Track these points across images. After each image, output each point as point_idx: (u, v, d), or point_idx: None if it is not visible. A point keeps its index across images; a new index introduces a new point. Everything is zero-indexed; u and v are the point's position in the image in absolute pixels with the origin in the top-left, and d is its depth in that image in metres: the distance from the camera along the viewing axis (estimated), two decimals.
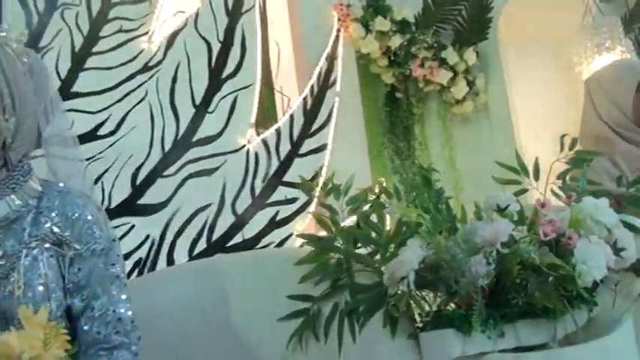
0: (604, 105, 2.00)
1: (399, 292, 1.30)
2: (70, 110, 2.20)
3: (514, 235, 1.37)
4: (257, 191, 2.35)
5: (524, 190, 1.76)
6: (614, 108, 1.97)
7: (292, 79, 2.59)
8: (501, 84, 2.66)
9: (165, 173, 2.27)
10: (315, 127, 2.46)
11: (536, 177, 1.77)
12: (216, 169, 2.32)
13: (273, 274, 1.64)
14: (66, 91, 2.21)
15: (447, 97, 2.67)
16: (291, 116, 2.44)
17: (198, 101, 2.34)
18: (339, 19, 2.55)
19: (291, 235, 2.33)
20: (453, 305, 1.33)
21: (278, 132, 2.42)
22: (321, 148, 2.45)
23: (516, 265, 1.28)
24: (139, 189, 2.24)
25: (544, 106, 2.69)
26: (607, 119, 1.99)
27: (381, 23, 2.50)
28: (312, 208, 2.35)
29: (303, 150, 2.43)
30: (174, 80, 2.33)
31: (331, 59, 2.52)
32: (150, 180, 2.25)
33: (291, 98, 2.54)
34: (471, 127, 2.77)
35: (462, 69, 2.64)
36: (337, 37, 2.55)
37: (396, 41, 2.53)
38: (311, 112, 2.47)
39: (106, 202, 2.19)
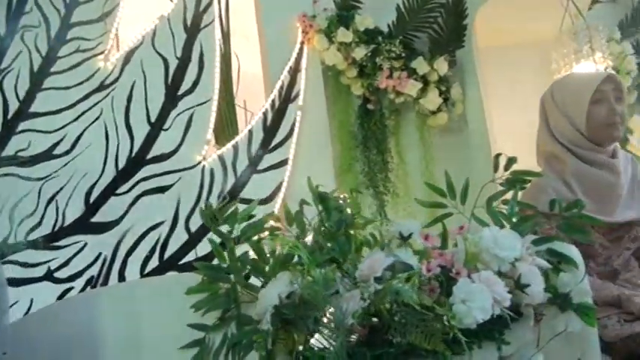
0: (557, 121, 1.86)
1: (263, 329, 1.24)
2: (27, 130, 2.25)
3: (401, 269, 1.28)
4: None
5: (447, 215, 1.66)
6: (567, 124, 1.82)
7: (260, 94, 2.55)
8: (477, 93, 2.53)
9: (118, 191, 2.28)
10: (275, 142, 2.41)
11: (463, 200, 1.67)
12: (170, 186, 2.30)
13: (180, 300, 1.60)
14: (24, 112, 2.26)
15: (421, 109, 2.56)
16: (250, 131, 2.40)
17: (153, 118, 2.34)
18: (303, 31, 2.49)
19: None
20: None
21: (235, 148, 2.38)
22: (281, 164, 2.39)
23: (386, 304, 1.19)
24: (92, 207, 2.25)
25: (523, 115, 2.53)
26: (559, 136, 1.84)
27: (344, 34, 2.42)
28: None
29: (262, 166, 2.39)
30: (129, 98, 2.34)
31: (294, 72, 2.47)
32: (103, 198, 2.26)
33: (255, 113, 2.50)
34: (449, 138, 2.65)
35: (434, 79, 2.52)
36: (301, 49, 2.49)
37: (359, 52, 2.44)
38: (271, 126, 2.42)
39: (59, 221, 2.22)
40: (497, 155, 1.72)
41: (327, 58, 2.47)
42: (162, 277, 2.04)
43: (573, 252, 1.52)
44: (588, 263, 1.81)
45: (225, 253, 1.49)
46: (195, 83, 2.37)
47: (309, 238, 1.56)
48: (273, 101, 2.43)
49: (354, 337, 1.28)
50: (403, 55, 2.48)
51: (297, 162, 2.42)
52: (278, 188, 2.36)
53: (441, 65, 2.48)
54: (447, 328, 1.24)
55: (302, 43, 2.49)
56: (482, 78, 2.54)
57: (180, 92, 2.36)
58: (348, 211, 1.65)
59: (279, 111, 2.43)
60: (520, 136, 2.51)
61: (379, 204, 2.56)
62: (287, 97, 2.44)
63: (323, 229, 1.49)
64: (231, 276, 1.44)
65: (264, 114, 2.42)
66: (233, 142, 2.38)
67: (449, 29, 2.55)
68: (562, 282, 1.45)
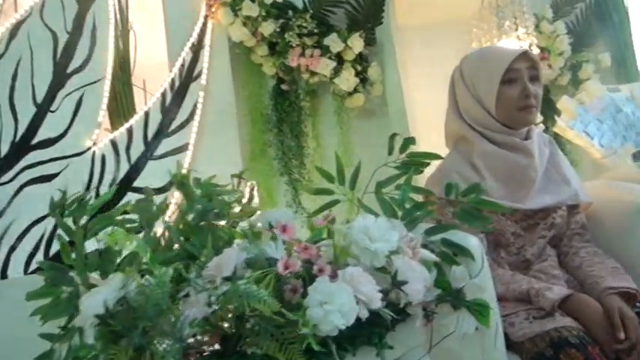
0: (465, 101, 1.70)
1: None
2: None
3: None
4: None
5: (334, 203, 1.50)
6: (476, 104, 1.67)
7: (164, 73, 2.34)
8: (396, 73, 2.37)
9: (0, 180, 2.05)
10: (174, 125, 2.21)
11: (352, 185, 1.51)
12: (57, 174, 2.09)
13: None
14: None
15: (337, 89, 2.39)
16: (146, 114, 2.19)
17: (39, 99, 2.11)
18: (207, 4, 2.28)
19: None
20: None
21: (130, 132, 2.17)
22: (181, 149, 2.20)
23: (233, 309, 1.02)
24: None
25: (445, 96, 2.39)
26: (468, 118, 1.69)
27: (249, 7, 2.22)
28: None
29: (159, 151, 2.19)
30: (14, 77, 2.11)
31: (197, 49, 2.27)
32: None
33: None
34: (369, 121, 2.49)
35: (350, 57, 2.35)
36: (205, 23, 2.29)
37: (267, 27, 2.25)
38: (170, 108, 2.22)
39: None
40: (393, 136, 1.56)
41: (232, 34, 2.27)
42: (28, 277, 1.84)
43: (470, 242, 1.38)
44: (500, 253, 1.68)
45: None
46: (87, 60, 2.16)
47: None
48: (172, 80, 2.23)
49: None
50: (316, 31, 2.29)
51: (199, 147, 2.22)
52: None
53: (356, 42, 2.31)
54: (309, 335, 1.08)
55: (206, 16, 2.29)
56: (403, 57, 2.38)
57: (69, 70, 2.14)
58: (227, 199, 1.49)
59: (180, 91, 2.23)
60: (442, 117, 2.36)
61: (293, 192, 2.39)
62: (188, 76, 2.24)
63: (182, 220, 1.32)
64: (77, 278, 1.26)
65: (163, 94, 2.22)
66: (127, 125, 2.17)
67: (367, 5, 2.38)
68: (454, 276, 1.30)
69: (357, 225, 1.15)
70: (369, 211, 1.42)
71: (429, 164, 1.57)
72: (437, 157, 1.57)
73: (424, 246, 1.37)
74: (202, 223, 1.37)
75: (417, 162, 1.54)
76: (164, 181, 2.14)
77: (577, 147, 2.37)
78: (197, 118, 2.21)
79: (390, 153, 1.58)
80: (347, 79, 2.28)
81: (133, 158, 2.15)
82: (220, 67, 2.29)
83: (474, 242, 1.37)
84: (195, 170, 2.13)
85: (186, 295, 1.13)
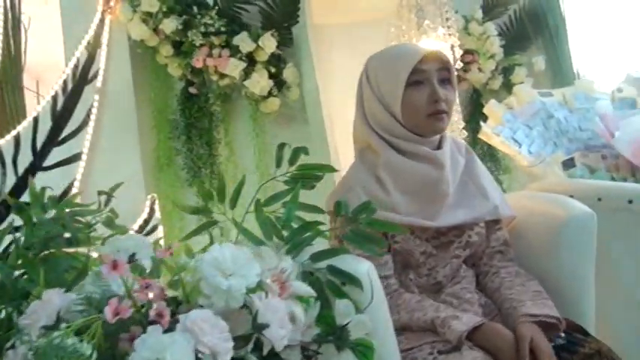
0: (371, 105, 1.54)
1: None
2: None
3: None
4: None
5: (211, 223, 1.32)
6: (382, 109, 1.51)
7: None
8: (313, 75, 2.19)
9: None
10: (66, 132, 2.00)
11: (233, 204, 1.33)
12: None
13: None
14: None
15: (248, 93, 2.21)
16: (35, 120, 1.98)
17: None
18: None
19: None
20: None
21: (17, 140, 1.96)
22: (73, 159, 1.99)
23: None
24: None
25: None
26: (374, 124, 1.53)
27: (148, 2, 2.03)
28: None
29: (48, 162, 1.98)
30: None
31: (93, 48, 2.06)
32: None
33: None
34: (289, 127, 2.33)
35: (263, 58, 2.17)
36: (102, 20, 2.09)
37: (169, 25, 2.06)
38: (62, 113, 2.01)
39: None
40: (281, 145, 1.39)
41: (132, 32, 2.08)
42: None
43: (360, 269, 1.21)
44: (408, 275, 1.53)
45: None
46: None
47: None
48: (65, 82, 2.02)
49: None
50: (223, 29, 2.11)
51: (95, 156, 2.02)
52: (69, 189, 1.96)
53: (268, 42, 2.13)
54: None
55: (103, 12, 2.08)
56: (321, 58, 2.21)
57: None
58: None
59: (73, 95, 2.02)
60: None
61: (203, 204, 2.20)
62: (83, 77, 2.04)
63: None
64: None
65: (54, 98, 2.01)
66: (14, 133, 1.95)
67: (282, 3, 2.21)
68: (339, 311, 1.14)
69: (208, 257, 0.97)
70: (248, 234, 1.25)
71: (321, 177, 1.41)
72: (331, 169, 1.40)
73: (311, 274, 1.21)
74: (47, 252, 1.17)
75: (308, 175, 1.38)
76: (55, 193, 1.93)
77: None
78: (92, 124, 2.00)
79: (278, 165, 1.41)
80: (258, 82, 2.10)
81: (20, 169, 1.94)
82: (119, 68, 2.09)
83: (363, 269, 1.21)
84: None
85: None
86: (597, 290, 1.66)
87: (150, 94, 2.20)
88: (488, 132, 2.12)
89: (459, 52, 2.09)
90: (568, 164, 2.02)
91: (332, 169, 1.40)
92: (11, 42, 2.02)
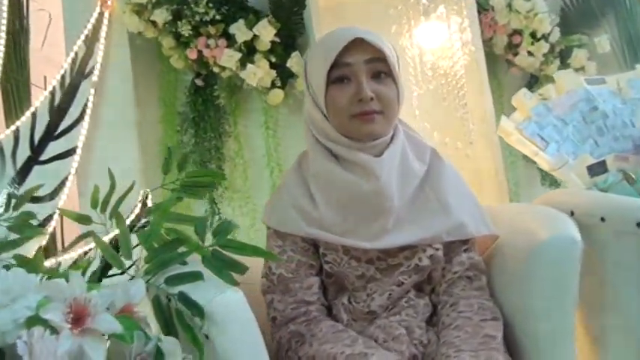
0: (306, 100, 1.36)
1: None
2: None
3: None
4: None
5: (85, 236, 1.24)
6: (314, 106, 1.33)
7: None
8: None
9: None
10: (63, 126, 2.02)
11: (112, 214, 1.24)
12: None
13: None
14: None
15: (250, 84, 2.08)
16: (34, 114, 2.02)
17: None
18: None
19: None
20: None
21: (16, 134, 2.01)
22: (68, 154, 2.01)
23: None
24: None
25: None
26: (310, 122, 1.35)
27: None
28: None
29: (45, 156, 2.01)
30: None
31: (92, 41, 2.05)
32: None
33: None
34: (299, 119, 2.17)
35: (263, 47, 2.04)
36: (101, 13, 2.07)
37: (159, 16, 1.99)
38: (60, 108, 2.03)
39: None
40: (170, 150, 1.28)
41: (129, 24, 2.04)
42: None
43: (220, 300, 1.07)
44: (341, 299, 1.34)
45: None
46: None
47: None
48: (62, 77, 2.04)
49: None
50: (218, 18, 2.00)
51: (91, 151, 2.02)
52: (63, 183, 1.98)
53: (264, 30, 1.99)
54: None
55: (101, 5, 2.07)
56: None
57: None
58: None
59: (71, 89, 2.03)
60: None
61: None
62: (80, 72, 2.04)
63: None
64: None
65: (52, 93, 2.03)
66: (13, 127, 2.01)
67: None
68: (165, 349, 1.00)
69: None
70: (108, 252, 1.15)
71: (213, 186, 1.28)
72: (221, 176, 1.27)
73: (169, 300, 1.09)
74: None
75: (199, 183, 1.26)
76: (51, 187, 1.97)
77: None
78: (87, 118, 2.01)
79: (166, 172, 1.30)
80: (254, 73, 1.97)
81: (19, 163, 2.00)
82: (117, 62, 2.07)
83: (223, 300, 1.05)
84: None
85: None
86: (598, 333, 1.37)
87: (154, 87, 2.16)
88: (507, 128, 1.82)
89: (469, 35, 1.80)
90: (596, 170, 1.67)
91: (222, 177, 1.26)
92: (16, 39, 2.07)
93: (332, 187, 1.28)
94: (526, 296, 1.29)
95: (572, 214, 1.38)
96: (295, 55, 2.06)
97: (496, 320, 1.25)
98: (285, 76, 2.08)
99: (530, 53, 2.20)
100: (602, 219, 1.33)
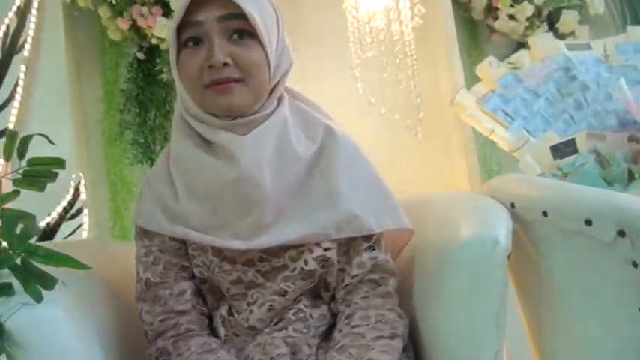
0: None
1: None
2: None
3: None
4: None
5: None
6: (176, 76, 1.12)
7: None
8: None
9: None
10: None
11: None
12: None
13: None
14: None
15: None
16: None
17: None
18: None
19: None
20: None
21: None
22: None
23: None
24: None
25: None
26: (179, 97, 1.16)
27: None
28: None
29: None
30: None
31: (23, 14, 1.91)
32: None
33: None
34: None
35: None
36: None
37: None
38: None
39: None
40: (12, 135, 1.12)
41: None
42: None
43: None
44: (220, 311, 1.15)
45: None
46: None
47: None
48: None
49: None
50: None
51: (25, 132, 1.88)
52: None
53: None
54: None
55: None
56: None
57: None
58: None
59: (1, 66, 1.89)
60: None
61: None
62: (12, 47, 1.90)
63: None
64: None
65: None
66: None
67: None
68: None
69: None
70: None
71: (56, 176, 1.11)
72: (60, 163, 1.10)
73: None
74: None
75: (42, 173, 1.09)
76: None
77: None
78: (18, 97, 1.87)
79: (7, 159, 1.13)
80: None
81: None
82: (51, 36, 1.91)
83: (30, 316, 0.88)
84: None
85: None
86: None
87: (98, 62, 2.00)
88: (464, 102, 1.57)
89: None
90: (563, 150, 1.40)
91: (62, 165, 1.09)
92: None
93: (193, 175, 1.08)
94: (437, 304, 1.08)
95: (512, 206, 1.15)
96: None
97: (393, 338, 1.04)
98: None
99: (512, 17, 1.92)
100: (545, 213, 1.09)
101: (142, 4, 1.83)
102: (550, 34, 1.78)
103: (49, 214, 1.90)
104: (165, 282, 1.10)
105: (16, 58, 1.90)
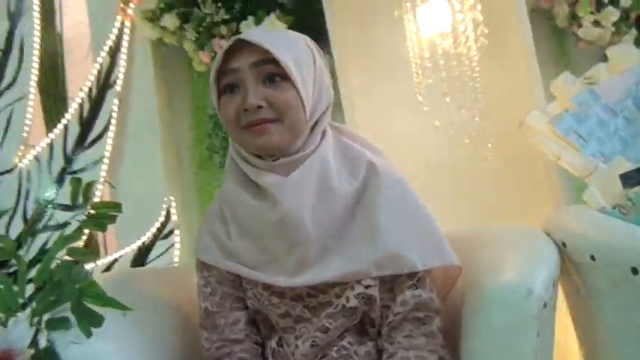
0: None
1: None
2: None
3: None
4: (29, 214, 2.10)
5: None
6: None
7: None
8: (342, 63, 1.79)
9: None
10: (91, 137, 2.07)
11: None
12: None
13: None
14: None
15: None
16: (65, 126, 2.09)
17: None
18: (121, 1, 2.05)
19: None
20: None
21: (51, 146, 2.10)
22: (97, 163, 2.05)
23: None
24: None
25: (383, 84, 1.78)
26: (231, 144, 1.21)
27: (147, 2, 1.93)
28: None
29: (77, 166, 2.07)
30: None
31: (115, 52, 2.07)
32: None
33: None
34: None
35: None
36: (123, 23, 2.07)
37: (169, 22, 1.92)
38: (88, 119, 2.08)
39: None
40: (77, 180, 1.22)
41: (145, 32, 2.01)
42: None
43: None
44: (270, 342, 1.19)
45: None
46: (15, 77, 2.14)
47: None
48: (90, 89, 2.08)
49: None
50: (226, 17, 1.89)
51: (118, 160, 2.05)
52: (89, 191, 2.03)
53: (272, 27, 1.84)
54: None
55: (121, 16, 2.06)
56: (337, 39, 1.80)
57: (0, 88, 2.15)
58: None
59: (97, 100, 2.07)
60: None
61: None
62: (105, 82, 2.07)
63: None
64: None
65: (80, 105, 2.09)
66: (47, 139, 2.10)
67: None
68: None
69: None
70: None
71: (115, 218, 1.20)
72: (117, 208, 1.19)
73: None
74: None
75: (103, 215, 1.19)
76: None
77: None
78: (112, 127, 2.04)
79: (74, 202, 1.24)
80: None
81: (55, 173, 2.09)
82: (141, 71, 2.06)
83: (84, 351, 0.98)
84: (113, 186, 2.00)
85: None
86: None
87: (188, 92, 2.13)
88: (535, 124, 1.50)
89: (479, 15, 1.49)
90: (633, 178, 1.30)
91: (119, 209, 1.18)
92: (50, 55, 2.15)
93: (242, 215, 1.13)
94: (475, 347, 1.05)
95: (564, 245, 1.10)
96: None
97: None
98: None
99: (597, 23, 1.80)
100: (592, 257, 1.03)
101: (221, 37, 1.93)
102: (630, 44, 1.65)
103: (144, 234, 2.05)
104: (222, 311, 1.16)
105: (109, 93, 2.07)
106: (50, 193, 2.06)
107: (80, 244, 2.02)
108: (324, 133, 1.14)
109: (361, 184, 1.11)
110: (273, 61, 1.04)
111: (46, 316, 1.04)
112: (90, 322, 0.97)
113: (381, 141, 1.69)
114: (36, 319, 1.04)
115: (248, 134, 1.07)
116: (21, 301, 1.09)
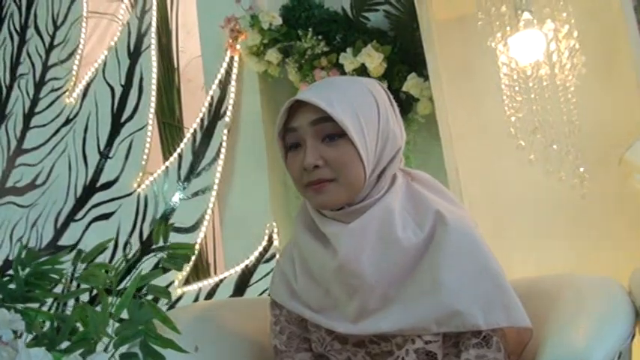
0: None
1: None
2: (21, 165, 2.59)
3: None
4: (145, 236, 2.28)
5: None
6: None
7: None
8: (439, 87, 1.78)
9: (76, 217, 2.42)
10: (202, 165, 2.20)
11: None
12: (113, 213, 2.34)
13: None
14: (19, 148, 2.61)
15: None
16: (180, 155, 2.24)
17: (102, 147, 2.40)
18: (230, 37, 2.17)
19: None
20: None
21: (165, 173, 2.26)
22: (207, 189, 2.18)
23: None
24: (59, 231, 2.45)
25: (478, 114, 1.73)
26: None
27: (251, 36, 2.03)
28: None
29: (189, 192, 2.22)
30: (85, 129, 2.47)
31: (224, 85, 2.19)
32: (66, 223, 2.44)
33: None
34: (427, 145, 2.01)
35: (377, 74, 1.92)
36: (232, 58, 2.19)
37: (273, 56, 2.01)
38: (200, 148, 2.21)
39: (38, 243, 2.49)
40: (164, 222, 1.31)
41: (250, 65, 2.12)
42: None
43: None
44: None
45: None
46: (135, 109, 2.34)
47: None
48: (202, 120, 2.22)
49: None
50: (326, 49, 1.96)
51: (225, 187, 2.17)
52: (202, 217, 2.17)
53: (368, 57, 1.87)
54: None
55: (230, 50, 2.19)
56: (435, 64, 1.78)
57: (122, 119, 2.36)
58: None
59: (208, 130, 2.20)
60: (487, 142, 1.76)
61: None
62: (216, 114, 2.20)
63: None
64: None
65: (193, 134, 2.23)
66: (163, 167, 2.27)
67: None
68: None
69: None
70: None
71: (189, 258, 1.27)
72: (191, 248, 1.24)
73: None
74: None
75: (180, 255, 1.26)
76: (193, 220, 2.18)
77: None
78: (222, 156, 2.16)
79: (156, 242, 1.32)
80: None
81: (169, 198, 2.25)
82: (248, 103, 2.18)
83: None
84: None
85: None
86: None
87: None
88: (633, 162, 1.39)
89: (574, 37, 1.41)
90: None
91: (193, 250, 1.25)
92: (167, 88, 2.32)
93: (308, 260, 1.15)
94: None
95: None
96: (412, 77, 1.90)
97: None
98: (407, 102, 1.93)
99: None
100: None
101: (322, 69, 1.99)
102: None
103: (248, 258, 2.14)
104: (289, 351, 1.18)
105: (219, 123, 2.19)
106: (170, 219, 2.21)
107: (190, 264, 2.17)
108: (393, 180, 1.12)
109: (427, 234, 1.06)
110: (329, 119, 1.03)
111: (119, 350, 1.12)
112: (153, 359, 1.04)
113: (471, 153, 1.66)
114: (111, 352, 1.12)
115: (309, 191, 1.07)
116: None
